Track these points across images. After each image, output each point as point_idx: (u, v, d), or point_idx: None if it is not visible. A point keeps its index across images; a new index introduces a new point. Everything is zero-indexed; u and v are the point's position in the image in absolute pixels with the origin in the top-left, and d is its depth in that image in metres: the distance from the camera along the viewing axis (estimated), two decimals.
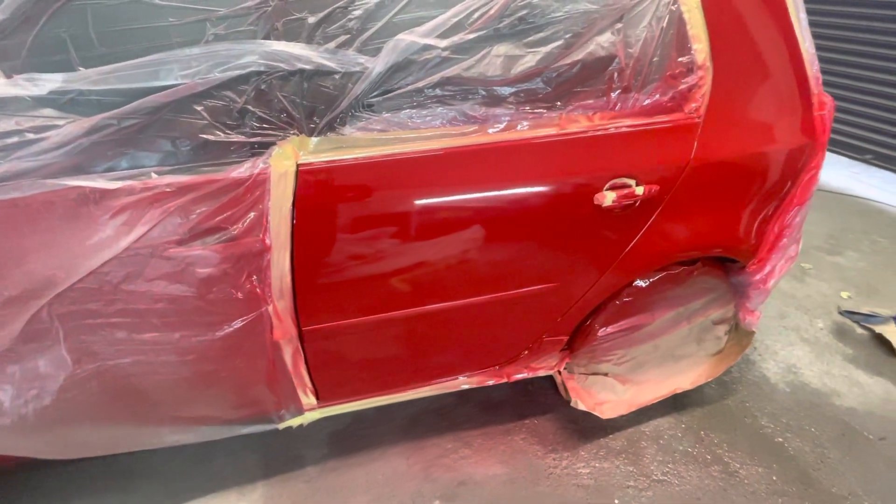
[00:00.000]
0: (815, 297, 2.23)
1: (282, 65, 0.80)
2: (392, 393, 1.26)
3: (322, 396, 1.19)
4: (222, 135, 0.81)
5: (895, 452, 1.50)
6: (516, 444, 1.46)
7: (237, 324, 0.92)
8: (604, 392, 1.48)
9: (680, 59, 1.07)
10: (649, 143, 1.09)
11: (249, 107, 0.81)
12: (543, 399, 1.62)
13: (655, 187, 1.10)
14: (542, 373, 1.39)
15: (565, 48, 0.94)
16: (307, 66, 0.82)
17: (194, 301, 0.87)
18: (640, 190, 1.08)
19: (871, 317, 2.08)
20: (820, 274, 2.39)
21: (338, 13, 0.83)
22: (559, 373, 1.41)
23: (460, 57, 0.90)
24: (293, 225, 0.87)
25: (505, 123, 0.97)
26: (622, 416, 1.49)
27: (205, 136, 0.80)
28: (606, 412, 1.45)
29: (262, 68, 0.80)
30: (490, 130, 0.96)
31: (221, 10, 0.78)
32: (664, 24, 1.03)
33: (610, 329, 1.34)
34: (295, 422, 1.21)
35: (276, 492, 1.29)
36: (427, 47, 0.87)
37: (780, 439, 1.53)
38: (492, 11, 0.88)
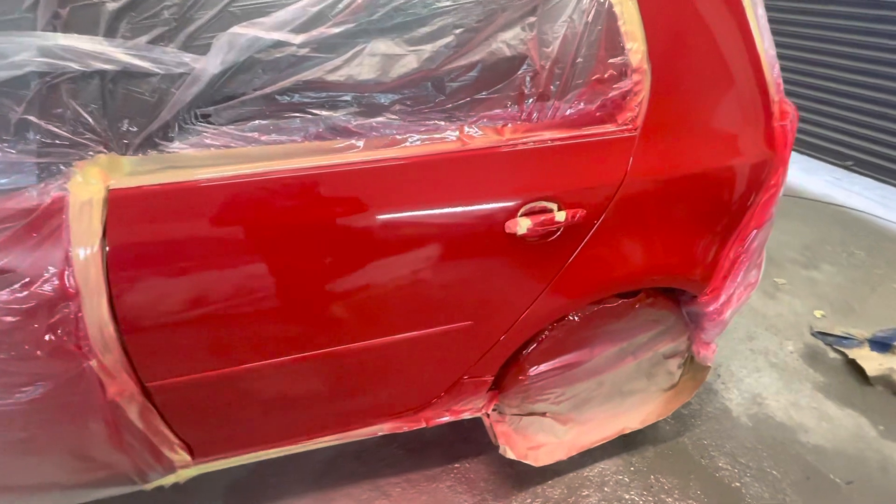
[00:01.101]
0: (787, 315, 2.08)
1: (72, 64, 0.62)
2: (285, 445, 1.09)
3: (197, 453, 1.02)
4: None
5: (863, 499, 1.36)
6: (441, 492, 1.30)
7: (48, 385, 0.74)
8: (541, 434, 1.32)
9: (611, 61, 0.91)
10: (573, 161, 0.92)
11: (32, 117, 0.63)
12: (480, 438, 1.45)
13: (581, 212, 0.93)
14: (467, 415, 1.22)
15: (457, 47, 0.77)
16: (109, 67, 0.64)
17: None
18: (561, 216, 0.91)
19: (844, 339, 1.94)
20: (794, 290, 2.25)
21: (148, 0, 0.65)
22: (487, 415, 1.25)
23: (324, 56, 0.73)
24: (107, 264, 0.70)
25: (390, 138, 0.80)
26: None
27: None
28: (542, 458, 1.28)
29: (43, 68, 0.62)
30: (362, 144, 0.79)
31: None
32: (589, 19, 0.86)
33: (543, 368, 1.18)
34: (167, 480, 1.04)
35: None
36: (277, 44, 0.70)
37: (738, 484, 1.38)
38: (359, 0, 0.71)
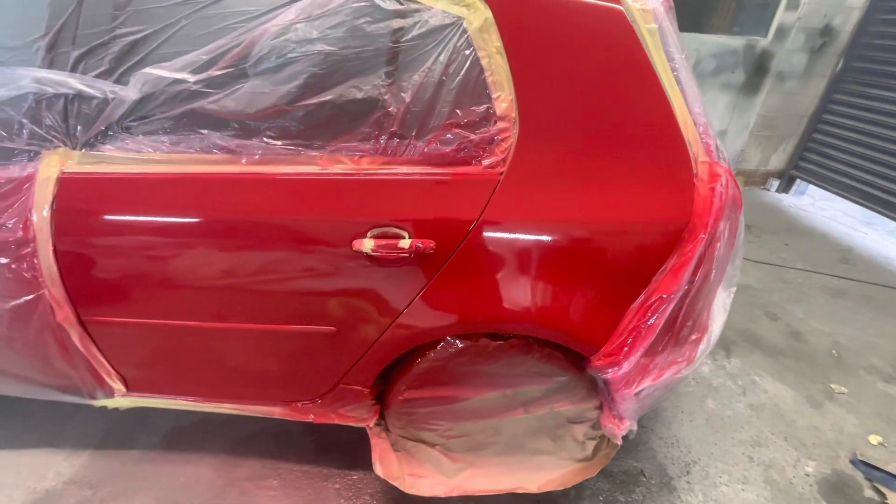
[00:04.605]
0: (825, 431, 1.68)
1: (48, 88, 0.95)
2: (197, 401, 1.31)
3: (131, 386, 1.29)
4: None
5: None
6: (326, 492, 1.38)
7: (20, 299, 1.08)
8: (428, 464, 1.33)
9: (473, 108, 0.97)
10: (427, 195, 0.99)
11: (26, 120, 0.98)
12: None
13: (430, 243, 0.99)
14: (352, 423, 1.30)
15: (304, 88, 0.93)
16: (69, 91, 0.95)
17: None
18: (405, 243, 0.99)
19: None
20: (853, 404, 1.79)
21: (98, 49, 0.96)
22: (370, 427, 1.31)
23: (212, 91, 0.96)
24: (53, 224, 1.01)
25: (258, 156, 0.99)
26: (450, 497, 1.31)
27: None
28: (419, 487, 1.29)
29: (34, 90, 0.96)
30: (243, 161, 0.99)
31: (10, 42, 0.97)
32: (450, 70, 0.95)
33: (418, 394, 1.21)
34: (110, 403, 1.33)
35: (95, 464, 1.42)
36: (176, 81, 0.95)
37: None
38: (234, 52, 0.93)
